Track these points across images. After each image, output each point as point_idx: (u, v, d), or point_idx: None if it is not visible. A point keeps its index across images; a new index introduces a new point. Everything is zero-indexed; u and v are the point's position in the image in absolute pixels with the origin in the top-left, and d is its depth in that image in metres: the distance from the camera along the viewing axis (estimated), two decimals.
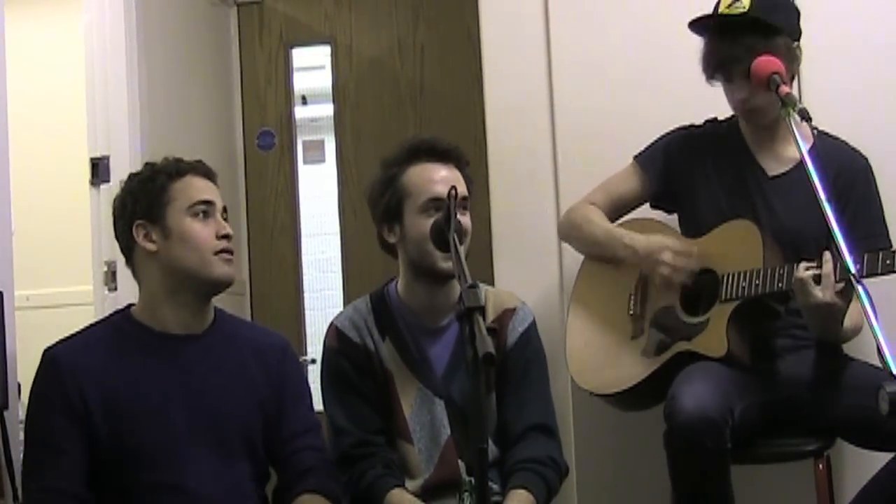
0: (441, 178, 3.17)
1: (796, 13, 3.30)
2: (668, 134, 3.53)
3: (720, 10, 3.26)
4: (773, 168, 3.36)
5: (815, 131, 3.08)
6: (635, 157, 3.55)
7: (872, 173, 3.34)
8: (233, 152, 4.98)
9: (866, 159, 3.35)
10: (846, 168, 3.27)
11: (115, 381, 2.84)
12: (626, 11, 3.95)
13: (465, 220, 3.15)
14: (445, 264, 3.08)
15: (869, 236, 3.19)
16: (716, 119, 3.49)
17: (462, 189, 3.16)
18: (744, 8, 3.21)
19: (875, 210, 3.31)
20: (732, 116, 3.45)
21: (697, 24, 3.32)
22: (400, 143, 3.32)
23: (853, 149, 3.36)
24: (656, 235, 3.33)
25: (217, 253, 2.91)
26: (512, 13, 4.06)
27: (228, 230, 2.95)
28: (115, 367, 2.86)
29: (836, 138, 3.20)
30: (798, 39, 3.27)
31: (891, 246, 3.25)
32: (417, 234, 3.14)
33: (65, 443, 2.78)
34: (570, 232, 3.61)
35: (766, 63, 3.05)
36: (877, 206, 3.32)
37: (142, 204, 2.91)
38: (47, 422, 2.81)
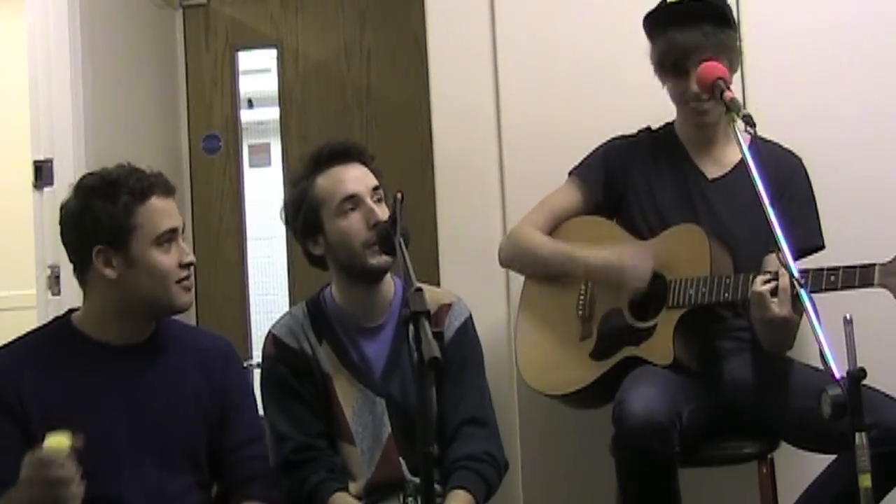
0: (349, 177, 3.18)
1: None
2: (603, 145, 3.54)
3: (670, 0, 3.28)
4: (713, 171, 3.39)
5: (751, 134, 3.13)
6: (572, 172, 3.56)
7: (807, 171, 3.38)
8: (178, 155, 4.94)
9: (800, 158, 3.40)
10: (784, 168, 3.32)
11: (54, 392, 2.79)
12: (573, 18, 3.97)
13: (380, 210, 3.15)
14: (375, 260, 3.10)
15: (806, 233, 3.25)
16: (649, 128, 3.52)
17: (372, 181, 3.19)
18: None
19: (812, 208, 3.35)
20: (668, 124, 3.49)
21: (654, 19, 3.33)
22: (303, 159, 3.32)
23: (787, 149, 3.41)
24: (606, 250, 3.32)
25: (179, 281, 2.86)
26: (458, 18, 4.07)
27: (191, 258, 2.89)
28: (53, 378, 2.81)
29: (770, 140, 3.24)
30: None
31: (823, 244, 3.31)
32: (341, 237, 3.15)
33: (4, 441, 2.71)
34: (516, 256, 3.58)
35: (712, 68, 3.08)
36: (813, 203, 3.36)
37: (103, 227, 2.79)
38: None
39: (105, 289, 2.85)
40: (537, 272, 3.54)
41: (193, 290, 2.94)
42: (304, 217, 3.20)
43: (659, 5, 3.35)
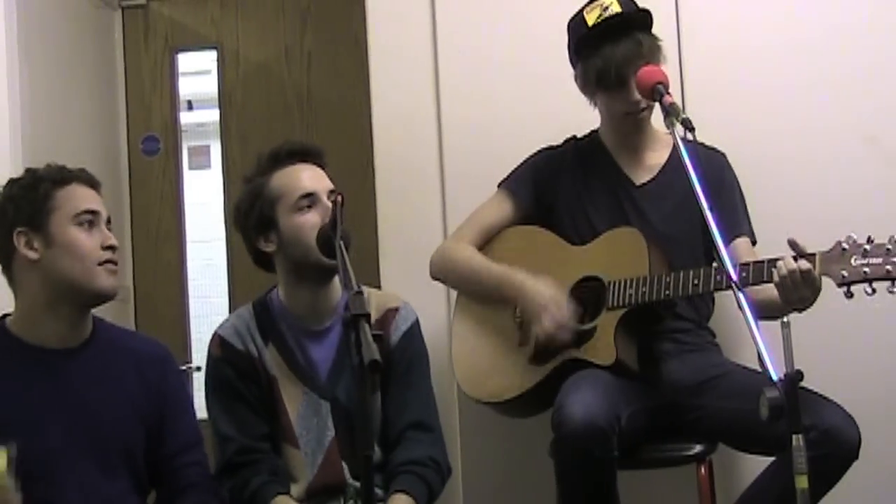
0: (307, 175, 3.19)
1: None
2: (531, 157, 3.57)
3: (593, 22, 3.30)
4: (639, 177, 3.43)
5: (692, 140, 3.15)
6: (501, 185, 3.58)
7: (731, 167, 3.45)
8: (117, 157, 4.90)
9: (724, 154, 3.47)
10: (713, 166, 3.37)
11: None
12: (514, 22, 3.98)
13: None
14: (328, 259, 3.08)
15: (735, 225, 3.32)
16: (575, 137, 3.54)
17: (328, 183, 3.20)
18: (617, 10, 3.27)
19: (741, 201, 3.42)
20: (592, 132, 3.52)
21: (583, 40, 3.34)
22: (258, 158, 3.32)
23: (711, 147, 3.46)
24: (543, 288, 3.29)
25: (101, 263, 2.85)
26: (399, 21, 4.07)
27: (114, 241, 2.90)
28: None
29: (693, 140, 3.26)
30: None
31: (754, 238, 3.38)
32: (296, 233, 3.14)
33: None
34: (446, 272, 3.59)
35: (651, 73, 3.10)
36: (742, 197, 3.43)
37: (24, 211, 2.84)
38: None
39: (31, 277, 2.85)
40: (468, 289, 3.55)
41: (120, 276, 2.94)
42: (258, 212, 3.19)
43: (581, 29, 3.35)
